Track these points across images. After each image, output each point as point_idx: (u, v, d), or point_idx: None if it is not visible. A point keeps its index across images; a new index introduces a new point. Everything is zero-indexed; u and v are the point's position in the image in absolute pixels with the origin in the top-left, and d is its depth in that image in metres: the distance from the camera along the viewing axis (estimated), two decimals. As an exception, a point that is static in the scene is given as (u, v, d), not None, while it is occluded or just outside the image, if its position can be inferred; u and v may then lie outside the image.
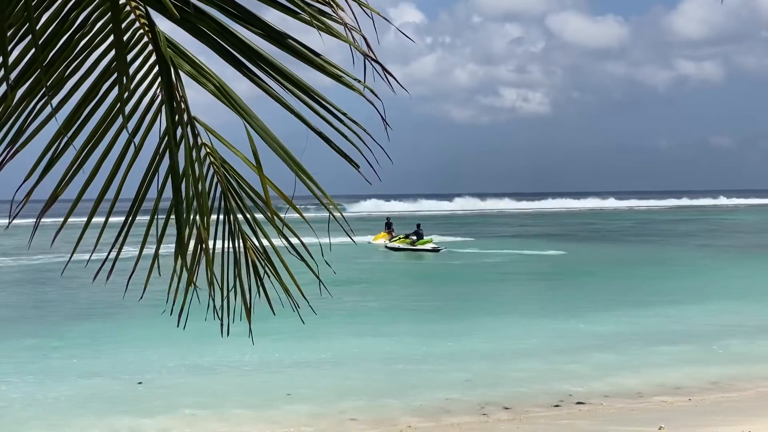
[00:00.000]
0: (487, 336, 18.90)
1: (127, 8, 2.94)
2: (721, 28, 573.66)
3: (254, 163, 3.11)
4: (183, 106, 3.01)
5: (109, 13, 2.90)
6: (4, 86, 2.80)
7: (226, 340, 3.87)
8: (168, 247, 3.46)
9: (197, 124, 3.17)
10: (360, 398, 13.64)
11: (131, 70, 3.05)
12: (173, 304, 3.49)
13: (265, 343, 16.30)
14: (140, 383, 14.70)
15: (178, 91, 2.95)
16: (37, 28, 2.83)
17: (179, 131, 3.02)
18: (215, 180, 3.41)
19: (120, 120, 3.05)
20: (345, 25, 2.77)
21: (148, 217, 3.39)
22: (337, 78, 2.87)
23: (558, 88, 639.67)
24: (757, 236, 54.09)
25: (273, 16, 2.81)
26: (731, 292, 25.80)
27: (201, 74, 3.03)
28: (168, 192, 3.22)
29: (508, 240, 51.38)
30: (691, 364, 16.01)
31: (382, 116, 2.88)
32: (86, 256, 3.60)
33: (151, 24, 2.91)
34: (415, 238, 44.09)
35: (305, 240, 3.50)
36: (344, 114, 2.92)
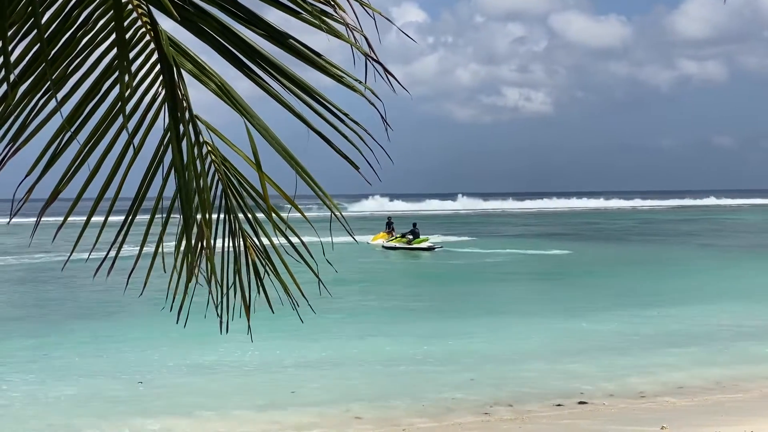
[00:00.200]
0: (489, 336, 18.89)
1: (129, 6, 2.94)
2: (724, 27, 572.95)
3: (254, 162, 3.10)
4: (185, 104, 3.00)
5: (112, 12, 2.89)
6: (5, 85, 2.80)
7: (226, 339, 3.88)
8: (168, 245, 3.46)
9: (199, 123, 3.16)
10: (363, 398, 13.63)
11: (133, 68, 3.05)
12: (173, 301, 3.49)
13: (265, 343, 16.30)
14: (141, 383, 14.69)
15: (180, 90, 2.94)
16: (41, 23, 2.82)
17: (181, 129, 3.01)
18: (216, 178, 3.41)
19: (122, 118, 3.05)
20: (346, 25, 2.76)
21: (147, 216, 3.38)
22: (338, 79, 2.86)
23: (560, 87, 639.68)
24: (760, 236, 54.03)
25: (275, 16, 2.80)
26: (734, 292, 25.74)
27: (203, 73, 3.03)
28: (168, 192, 3.22)
29: (509, 239, 51.32)
30: (693, 364, 15.99)
31: (383, 117, 2.87)
32: (87, 255, 3.60)
33: (154, 23, 2.90)
34: (411, 237, 44.17)
35: (306, 239, 3.51)
36: (345, 114, 2.92)
